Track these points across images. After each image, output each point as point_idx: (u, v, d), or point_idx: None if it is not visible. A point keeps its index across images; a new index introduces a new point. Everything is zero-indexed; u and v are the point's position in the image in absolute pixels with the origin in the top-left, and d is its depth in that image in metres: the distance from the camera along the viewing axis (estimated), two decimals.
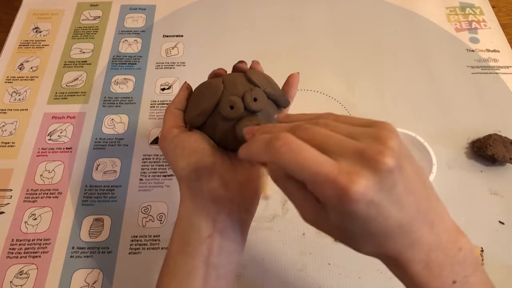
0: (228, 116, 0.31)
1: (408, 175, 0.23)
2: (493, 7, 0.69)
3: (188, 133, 0.33)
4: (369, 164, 0.21)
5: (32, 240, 0.45)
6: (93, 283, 0.43)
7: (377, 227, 0.22)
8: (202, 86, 0.34)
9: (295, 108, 0.56)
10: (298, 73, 0.37)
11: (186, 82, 0.37)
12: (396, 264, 0.24)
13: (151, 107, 0.56)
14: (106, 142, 0.53)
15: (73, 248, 0.45)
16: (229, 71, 0.38)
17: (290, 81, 0.37)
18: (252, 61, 0.37)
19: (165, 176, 0.50)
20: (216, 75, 0.35)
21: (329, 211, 0.23)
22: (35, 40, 0.63)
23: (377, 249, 0.24)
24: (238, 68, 0.35)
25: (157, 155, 0.52)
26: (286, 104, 0.35)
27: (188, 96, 0.36)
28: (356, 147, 0.22)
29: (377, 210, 0.22)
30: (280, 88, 0.37)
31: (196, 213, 0.30)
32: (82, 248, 0.45)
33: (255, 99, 0.32)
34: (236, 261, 0.31)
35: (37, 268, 0.44)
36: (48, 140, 0.53)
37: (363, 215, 0.22)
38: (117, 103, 0.56)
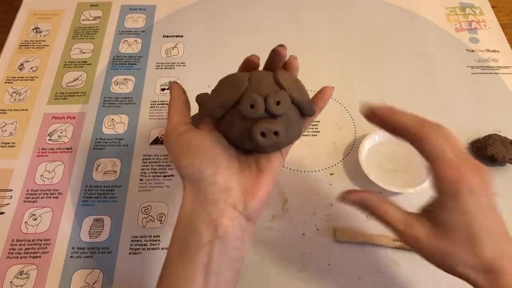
0: (247, 115, 0.30)
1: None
2: (493, 7, 0.69)
3: (196, 131, 0.32)
4: (481, 171, 0.29)
5: (32, 240, 0.45)
6: (93, 283, 0.43)
7: (477, 222, 0.28)
8: (228, 77, 0.33)
9: None
10: (333, 87, 0.36)
11: (171, 81, 0.36)
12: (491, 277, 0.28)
13: (151, 107, 0.56)
14: (106, 142, 0.53)
15: (73, 248, 0.45)
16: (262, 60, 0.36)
17: (323, 91, 0.36)
18: (290, 56, 0.35)
19: (165, 176, 0.50)
20: (248, 62, 0.34)
21: (441, 198, 0.29)
22: (35, 40, 0.63)
23: (474, 259, 0.28)
24: (275, 52, 0.33)
25: (157, 155, 0.52)
26: (311, 113, 0.33)
27: (182, 89, 0.35)
28: (474, 162, 0.30)
29: (478, 203, 0.28)
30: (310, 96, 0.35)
31: (196, 217, 0.29)
32: (82, 248, 0.45)
33: (278, 102, 0.30)
34: (236, 268, 0.30)
35: (37, 268, 0.44)
36: (48, 140, 0.53)
37: (469, 201, 0.28)
38: (117, 103, 0.56)
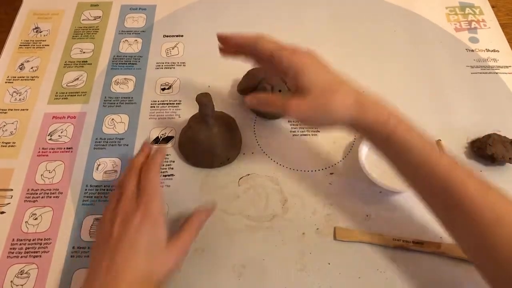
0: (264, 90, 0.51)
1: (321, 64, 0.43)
2: (492, 7, 0.69)
3: None
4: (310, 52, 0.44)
5: (33, 239, 0.45)
6: None
7: (320, 80, 0.40)
8: (254, 69, 0.54)
9: None
10: None
11: None
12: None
13: (151, 107, 0.56)
14: (107, 142, 0.53)
15: (73, 247, 0.45)
16: None
17: None
18: None
19: (165, 176, 0.50)
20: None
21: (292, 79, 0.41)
22: (35, 40, 0.63)
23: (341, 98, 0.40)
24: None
25: None
26: None
27: None
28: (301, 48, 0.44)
29: (315, 69, 0.41)
30: None
31: None
32: (82, 248, 0.45)
33: (279, 90, 0.51)
34: None
35: (38, 268, 0.44)
36: (49, 140, 0.53)
37: (308, 69, 0.41)
38: (117, 103, 0.56)
